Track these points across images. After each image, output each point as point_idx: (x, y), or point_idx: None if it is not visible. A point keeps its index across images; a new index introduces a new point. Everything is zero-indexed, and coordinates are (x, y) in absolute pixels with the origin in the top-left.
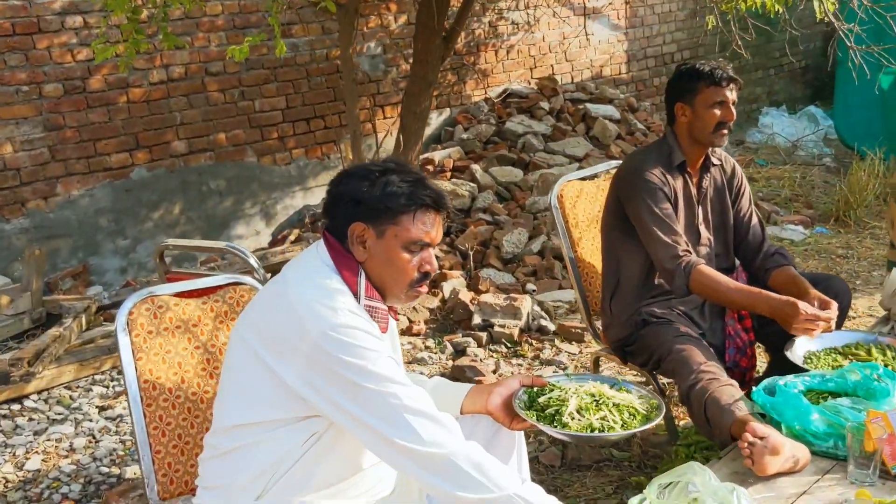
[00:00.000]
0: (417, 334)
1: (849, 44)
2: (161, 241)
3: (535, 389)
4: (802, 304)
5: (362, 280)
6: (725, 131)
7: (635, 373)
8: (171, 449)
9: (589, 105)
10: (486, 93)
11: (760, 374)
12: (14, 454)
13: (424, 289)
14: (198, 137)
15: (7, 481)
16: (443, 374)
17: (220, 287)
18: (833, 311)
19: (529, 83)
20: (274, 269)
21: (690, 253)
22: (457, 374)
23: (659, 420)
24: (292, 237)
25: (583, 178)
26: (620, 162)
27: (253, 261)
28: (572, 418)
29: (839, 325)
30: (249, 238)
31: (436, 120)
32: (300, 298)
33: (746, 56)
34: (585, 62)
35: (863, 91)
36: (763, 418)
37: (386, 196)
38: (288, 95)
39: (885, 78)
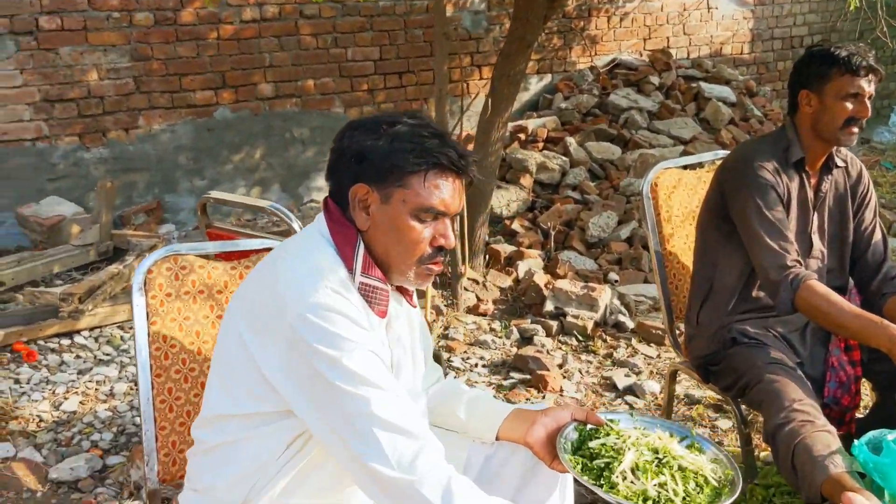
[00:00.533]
0: (484, 314)
1: None
2: (238, 185)
3: (589, 428)
4: None
5: (360, 253)
6: (856, 129)
7: (717, 395)
8: (177, 426)
9: (703, 84)
10: (592, 61)
11: (863, 417)
12: (54, 392)
13: (438, 267)
14: (285, 82)
15: (41, 420)
16: (504, 362)
17: (254, 251)
18: None
19: (641, 55)
20: None
21: (801, 264)
22: (518, 364)
23: (731, 501)
24: None
25: (684, 167)
26: (729, 152)
27: (297, 225)
28: (624, 478)
29: None
30: (326, 191)
31: (535, 85)
32: (284, 273)
33: (892, 46)
34: (705, 37)
35: None
36: (862, 478)
37: (394, 152)
38: (382, 46)
39: None
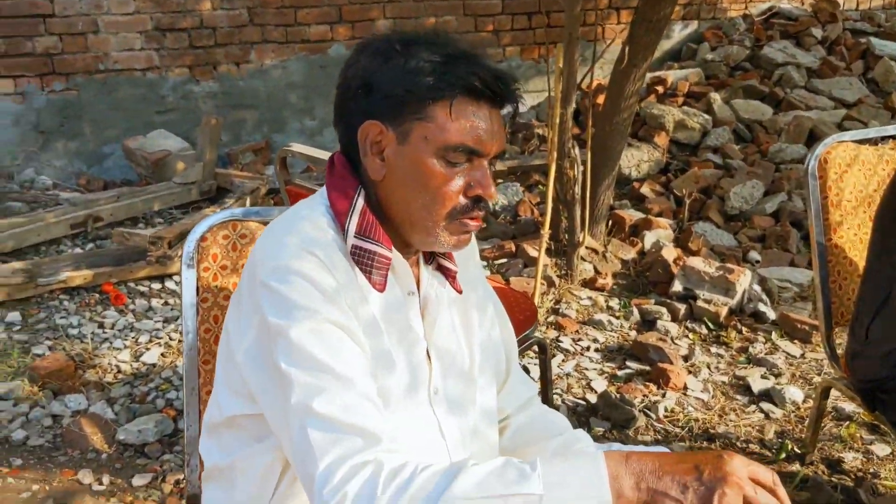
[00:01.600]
0: (601, 289)
1: None
2: None
3: None
4: None
5: (357, 207)
6: None
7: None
8: None
9: (874, 40)
10: (746, 8)
11: None
12: (136, 340)
13: (476, 222)
14: (404, 18)
15: (118, 371)
16: (620, 348)
17: None
18: None
19: (802, 3)
20: None
21: None
22: (637, 352)
23: None
24: None
25: (861, 141)
26: None
27: None
28: None
29: None
30: None
31: (678, 33)
32: (260, 240)
33: None
34: None
35: None
36: None
37: (410, 76)
38: None
39: None
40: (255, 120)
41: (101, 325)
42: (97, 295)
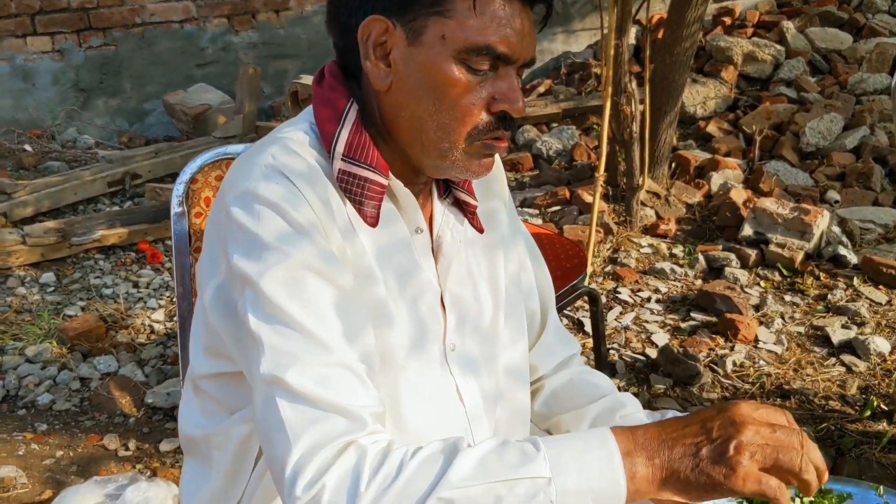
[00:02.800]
0: (664, 235)
1: None
2: None
3: None
4: None
5: (347, 123)
6: None
7: None
8: None
9: None
10: None
11: None
12: (171, 300)
13: (502, 144)
14: None
15: (151, 332)
16: (684, 298)
17: None
18: None
19: None
20: None
21: None
22: (703, 302)
23: None
24: (542, 88)
25: None
26: None
27: None
28: None
29: None
30: None
31: None
32: (233, 165)
33: None
34: None
35: None
36: None
37: None
38: None
39: None
40: (298, 69)
41: (135, 285)
42: (133, 254)
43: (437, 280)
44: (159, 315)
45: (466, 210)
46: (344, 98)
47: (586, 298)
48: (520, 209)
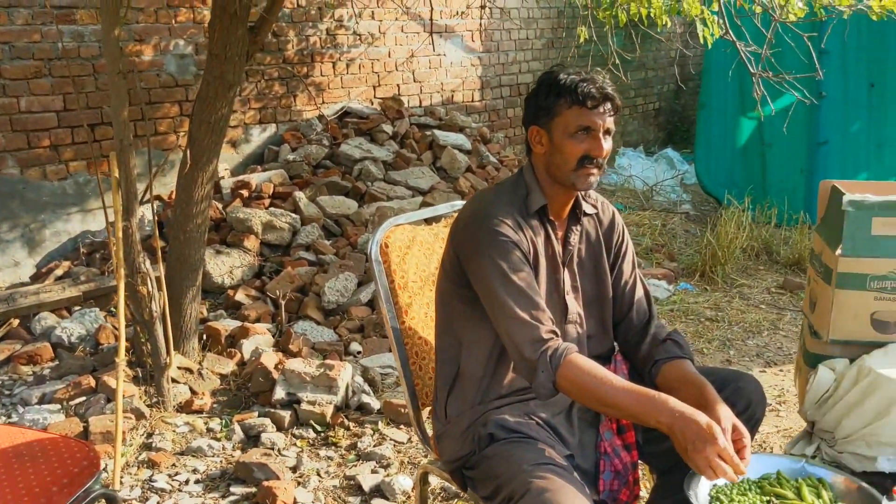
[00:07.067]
0: (200, 411)
1: (752, 69)
2: None
3: None
4: (719, 431)
5: None
6: (594, 170)
7: None
8: None
9: (437, 132)
10: (319, 109)
11: None
12: None
13: None
14: None
15: None
16: (224, 473)
17: None
18: (747, 458)
19: (371, 102)
20: (17, 315)
21: (557, 335)
22: (241, 474)
23: None
24: (60, 271)
25: (415, 223)
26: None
27: None
28: None
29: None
30: (5, 270)
31: (258, 136)
32: None
33: (626, 80)
34: (435, 85)
35: (724, 136)
36: None
37: None
38: (67, 95)
39: (748, 123)
40: None
41: None
42: None
43: None
44: None
45: None
46: None
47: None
48: (37, 407)
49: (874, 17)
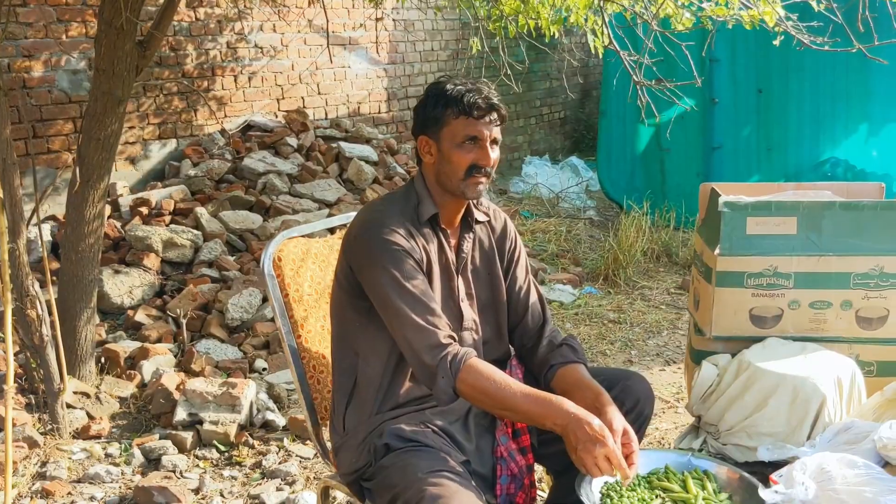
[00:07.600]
0: (97, 437)
1: (636, 78)
2: None
3: None
4: (608, 433)
5: None
6: (482, 179)
7: None
8: None
9: (343, 144)
10: (221, 124)
11: None
12: None
13: None
14: None
15: None
16: (123, 499)
17: None
18: (635, 463)
19: (275, 115)
20: None
21: (455, 340)
22: (141, 499)
23: None
24: None
25: (310, 235)
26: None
27: None
28: None
29: (639, 438)
30: None
31: (158, 152)
32: None
33: (517, 89)
34: (341, 97)
35: (624, 143)
36: None
37: None
38: None
39: (646, 130)
40: None
41: None
42: None
43: None
44: None
45: None
46: None
47: None
48: None
49: (747, 27)
